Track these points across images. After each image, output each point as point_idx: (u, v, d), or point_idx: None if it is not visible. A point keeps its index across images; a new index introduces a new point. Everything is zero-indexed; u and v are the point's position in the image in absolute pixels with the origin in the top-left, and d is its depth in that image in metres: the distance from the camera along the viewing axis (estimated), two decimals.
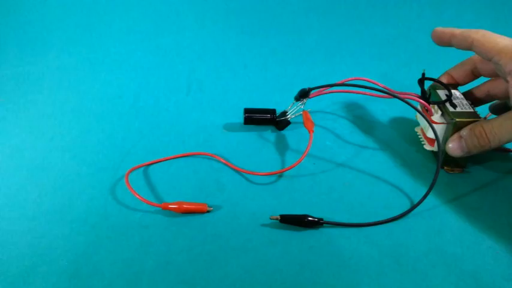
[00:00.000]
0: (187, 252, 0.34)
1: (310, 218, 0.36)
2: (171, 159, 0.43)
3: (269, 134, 0.48)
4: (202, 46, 0.62)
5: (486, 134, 0.37)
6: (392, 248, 0.34)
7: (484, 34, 0.37)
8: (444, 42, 0.41)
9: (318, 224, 0.36)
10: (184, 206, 0.36)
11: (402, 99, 0.42)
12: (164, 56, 0.60)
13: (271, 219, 0.36)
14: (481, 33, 0.37)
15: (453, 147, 0.39)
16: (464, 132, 0.39)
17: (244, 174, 0.42)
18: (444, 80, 0.44)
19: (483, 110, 0.44)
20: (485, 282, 0.32)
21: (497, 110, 0.44)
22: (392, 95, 0.42)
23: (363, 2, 0.69)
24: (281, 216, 0.36)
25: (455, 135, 0.39)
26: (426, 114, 0.43)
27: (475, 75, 0.43)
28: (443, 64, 0.59)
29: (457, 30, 0.39)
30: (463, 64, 0.43)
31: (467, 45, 0.38)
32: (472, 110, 0.41)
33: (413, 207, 0.37)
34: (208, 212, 0.37)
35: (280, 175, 0.42)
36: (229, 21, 0.66)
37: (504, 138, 0.36)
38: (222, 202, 0.38)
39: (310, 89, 0.45)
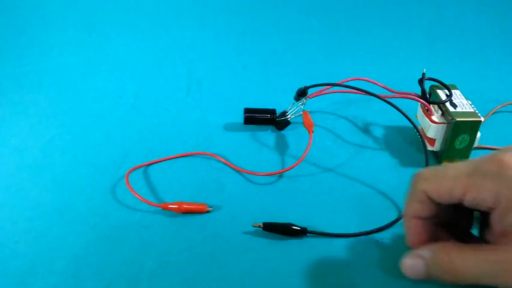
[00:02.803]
0: (187, 252, 0.34)
1: (294, 227, 0.35)
2: (171, 159, 0.43)
3: (269, 134, 0.48)
4: (202, 46, 0.62)
5: (456, 272, 0.26)
6: (391, 253, 0.34)
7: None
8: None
9: (302, 233, 0.35)
10: (184, 206, 0.36)
11: (393, 106, 0.42)
12: (164, 56, 0.60)
13: (253, 226, 0.35)
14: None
15: (407, 266, 0.29)
16: (426, 254, 0.28)
17: (244, 174, 0.42)
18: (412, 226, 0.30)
19: (482, 110, 0.43)
20: None
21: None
22: (384, 100, 0.43)
23: (363, 2, 0.69)
24: (264, 224, 0.35)
25: (415, 252, 0.29)
26: (426, 114, 0.43)
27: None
28: (443, 64, 0.60)
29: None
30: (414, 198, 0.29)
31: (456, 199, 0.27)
32: (472, 110, 0.41)
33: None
34: (208, 212, 0.37)
35: (280, 175, 0.42)
36: (229, 21, 0.66)
37: (473, 282, 0.26)
38: (222, 202, 0.38)
39: (307, 88, 0.45)
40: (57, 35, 0.62)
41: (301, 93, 0.45)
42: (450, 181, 0.26)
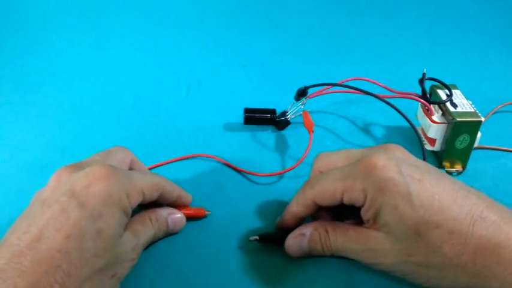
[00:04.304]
0: (188, 254, 0.33)
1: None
2: (170, 162, 0.42)
3: (269, 134, 0.47)
4: (202, 46, 0.62)
5: (331, 246, 0.31)
6: None
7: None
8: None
9: None
10: (183, 212, 0.35)
11: (387, 102, 0.42)
12: (164, 56, 0.60)
13: (250, 240, 0.33)
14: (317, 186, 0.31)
15: (292, 245, 0.32)
16: (307, 231, 0.32)
17: (244, 174, 0.41)
18: (290, 219, 0.33)
19: (483, 110, 0.43)
20: None
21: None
22: (383, 100, 0.42)
23: (363, 2, 0.69)
24: (260, 236, 0.33)
25: (297, 231, 0.32)
26: (427, 114, 0.43)
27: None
28: (443, 64, 0.60)
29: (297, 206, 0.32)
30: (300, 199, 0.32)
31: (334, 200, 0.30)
32: (472, 110, 0.41)
33: None
34: (206, 216, 0.36)
35: (280, 175, 0.41)
36: (229, 21, 0.66)
37: (344, 256, 0.31)
38: (222, 202, 0.38)
39: (307, 88, 0.45)
40: (57, 35, 0.62)
41: (301, 93, 0.45)
42: (330, 187, 0.30)
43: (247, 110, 0.48)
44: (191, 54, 0.61)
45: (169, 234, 0.34)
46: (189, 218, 0.35)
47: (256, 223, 0.36)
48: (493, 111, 0.49)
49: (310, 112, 0.46)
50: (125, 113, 0.50)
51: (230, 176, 0.41)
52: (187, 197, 0.35)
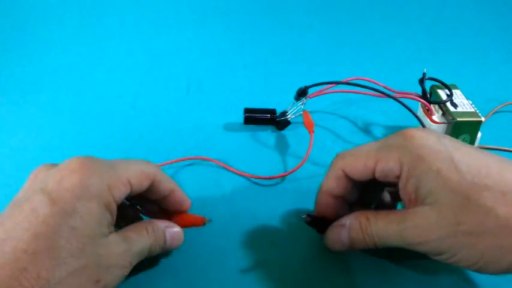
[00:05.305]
0: (188, 254, 0.33)
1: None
2: (170, 163, 0.42)
3: (269, 134, 0.47)
4: (202, 46, 0.62)
5: (373, 234, 0.28)
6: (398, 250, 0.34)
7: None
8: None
9: None
10: (182, 222, 0.33)
11: (398, 100, 0.42)
12: (164, 56, 0.60)
13: (302, 218, 0.32)
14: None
15: (332, 236, 0.30)
16: (346, 220, 0.30)
17: (245, 177, 0.41)
18: (324, 201, 0.32)
19: (483, 110, 0.43)
20: (486, 281, 0.32)
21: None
22: (389, 95, 0.42)
23: (363, 2, 0.69)
24: (311, 217, 0.32)
25: (337, 222, 0.30)
26: (427, 114, 0.43)
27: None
28: (443, 64, 0.60)
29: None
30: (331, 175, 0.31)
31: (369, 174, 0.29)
32: (473, 110, 0.41)
33: None
34: (205, 224, 0.34)
35: (282, 178, 0.41)
36: (229, 21, 0.66)
37: (388, 243, 0.28)
38: (222, 203, 0.38)
39: (307, 87, 0.45)
40: (57, 35, 0.62)
41: (301, 93, 0.45)
42: (364, 157, 0.29)
43: (247, 110, 0.48)
44: (191, 54, 0.61)
45: (166, 250, 0.31)
46: (188, 227, 0.34)
47: (256, 223, 0.36)
48: (493, 111, 0.49)
49: (310, 112, 0.46)
50: (124, 113, 0.50)
51: (230, 177, 0.41)
52: (184, 198, 0.32)
